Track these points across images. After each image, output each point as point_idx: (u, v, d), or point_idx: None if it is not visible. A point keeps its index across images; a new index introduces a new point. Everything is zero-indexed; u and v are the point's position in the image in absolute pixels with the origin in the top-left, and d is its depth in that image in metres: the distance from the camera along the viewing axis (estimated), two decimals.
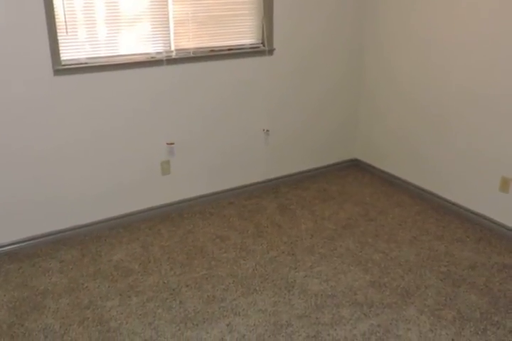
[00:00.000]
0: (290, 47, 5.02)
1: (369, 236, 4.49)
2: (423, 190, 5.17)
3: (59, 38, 3.95)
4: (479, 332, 3.32)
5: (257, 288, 3.78)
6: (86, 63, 4.11)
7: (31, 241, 4.30)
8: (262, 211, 4.94)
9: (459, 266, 4.04)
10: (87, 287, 3.80)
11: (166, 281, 3.86)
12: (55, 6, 3.85)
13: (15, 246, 4.25)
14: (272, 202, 5.13)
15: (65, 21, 3.94)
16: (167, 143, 4.66)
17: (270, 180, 5.44)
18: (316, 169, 5.74)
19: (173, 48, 4.43)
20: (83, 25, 4.03)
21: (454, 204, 4.88)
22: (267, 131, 5.21)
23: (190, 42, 4.50)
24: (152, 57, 4.37)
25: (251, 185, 5.32)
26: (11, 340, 3.27)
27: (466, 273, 3.94)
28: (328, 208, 4.99)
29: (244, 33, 4.76)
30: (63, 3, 3.88)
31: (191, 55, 4.51)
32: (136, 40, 4.28)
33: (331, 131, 5.68)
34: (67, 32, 3.97)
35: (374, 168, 5.75)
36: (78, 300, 3.65)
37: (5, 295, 3.70)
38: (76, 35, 4.03)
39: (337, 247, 4.32)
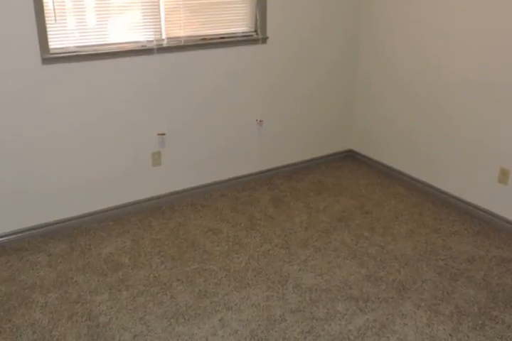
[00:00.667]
0: (284, 35, 4.97)
1: (364, 229, 4.45)
2: (420, 181, 5.13)
3: (47, 25, 3.89)
4: (477, 328, 3.30)
5: (250, 282, 3.74)
6: (75, 52, 4.05)
7: (19, 234, 4.25)
8: (255, 203, 4.89)
9: (456, 259, 4.02)
10: (76, 281, 3.76)
11: (156, 275, 3.82)
12: None
13: (2, 239, 4.20)
14: (265, 194, 5.08)
15: (54, 9, 3.88)
16: (158, 134, 4.61)
17: (263, 172, 5.39)
18: (311, 160, 5.70)
19: (164, 37, 4.38)
20: (72, 13, 3.97)
21: (451, 196, 4.84)
22: (260, 121, 5.16)
23: (182, 30, 4.45)
24: (143, 46, 4.32)
25: (244, 176, 5.27)
26: None
27: (464, 267, 3.91)
28: (323, 200, 4.95)
29: (237, 21, 4.70)
30: None
31: (182, 43, 4.46)
32: (127, 28, 4.23)
33: (326, 122, 5.63)
34: (55, 20, 3.92)
35: (370, 159, 5.70)
36: (67, 295, 3.61)
37: None
38: (65, 23, 3.97)
39: (332, 240, 4.28)
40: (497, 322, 3.34)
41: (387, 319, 3.37)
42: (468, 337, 3.21)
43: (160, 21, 4.31)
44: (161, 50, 4.38)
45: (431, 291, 3.64)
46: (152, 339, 3.20)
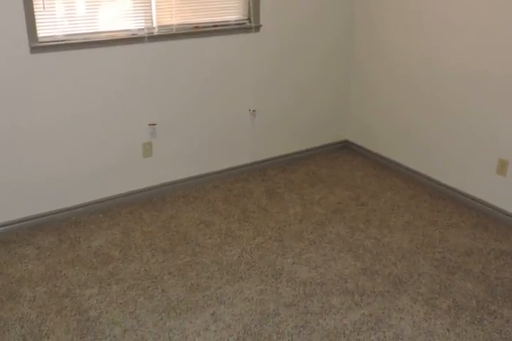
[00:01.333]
0: (278, 23, 4.91)
1: (360, 221, 4.42)
2: (417, 173, 5.09)
3: (35, 13, 3.84)
4: (475, 322, 3.27)
5: (243, 276, 3.71)
6: (64, 40, 4.01)
7: (6, 227, 4.20)
8: (249, 195, 4.85)
9: (454, 252, 3.99)
10: (65, 274, 3.72)
11: (147, 269, 3.79)
12: None
13: None
14: (258, 185, 5.04)
15: None
16: (149, 124, 4.57)
17: (257, 163, 5.35)
18: (305, 151, 5.65)
19: (155, 25, 4.33)
20: (61, 1, 3.93)
21: (449, 187, 4.80)
22: (254, 111, 5.11)
23: (173, 18, 4.40)
24: (133, 34, 4.27)
25: (237, 167, 5.23)
26: None
27: (462, 260, 3.89)
28: (318, 192, 4.91)
29: (230, 9, 4.65)
30: None
31: (174, 31, 4.41)
32: (117, 16, 4.18)
33: (321, 112, 5.59)
34: (44, 7, 3.87)
35: (366, 150, 5.66)
36: (56, 289, 3.57)
37: None
38: (54, 10, 3.93)
39: (327, 233, 4.24)
40: (495, 317, 3.31)
41: (383, 313, 3.34)
42: (466, 331, 3.18)
43: (151, 9, 4.26)
44: (152, 38, 4.33)
45: (428, 285, 3.60)
46: (143, 333, 3.17)
